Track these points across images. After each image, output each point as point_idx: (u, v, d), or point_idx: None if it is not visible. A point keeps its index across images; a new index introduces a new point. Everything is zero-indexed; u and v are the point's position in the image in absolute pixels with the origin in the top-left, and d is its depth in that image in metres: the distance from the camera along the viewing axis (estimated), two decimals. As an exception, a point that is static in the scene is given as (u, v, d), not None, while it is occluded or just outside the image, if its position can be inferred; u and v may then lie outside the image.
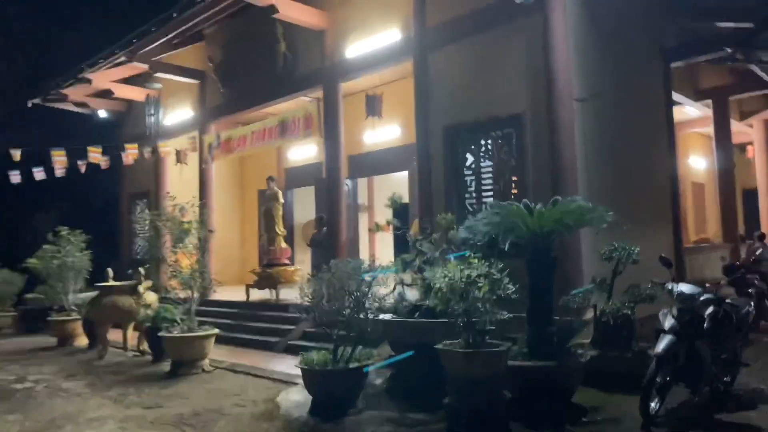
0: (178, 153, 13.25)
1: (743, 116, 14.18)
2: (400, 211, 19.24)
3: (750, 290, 9.49)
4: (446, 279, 4.46)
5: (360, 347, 5.34)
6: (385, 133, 13.43)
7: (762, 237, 11.10)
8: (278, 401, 5.87)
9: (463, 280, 4.36)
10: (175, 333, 7.60)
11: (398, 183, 18.26)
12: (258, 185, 16.07)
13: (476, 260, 4.55)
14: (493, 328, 4.55)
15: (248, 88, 11.52)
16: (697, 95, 12.20)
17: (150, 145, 12.67)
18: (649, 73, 9.20)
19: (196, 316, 8.50)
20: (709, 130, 12.64)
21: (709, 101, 12.22)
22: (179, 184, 13.99)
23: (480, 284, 4.37)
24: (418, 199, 8.41)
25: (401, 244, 18.59)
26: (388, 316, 5.82)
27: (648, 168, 8.85)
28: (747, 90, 12.13)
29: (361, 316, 5.19)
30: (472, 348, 4.46)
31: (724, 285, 6.24)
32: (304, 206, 16.14)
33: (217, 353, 8.64)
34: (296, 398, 5.87)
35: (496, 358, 4.41)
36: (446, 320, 5.01)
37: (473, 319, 4.43)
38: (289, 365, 7.83)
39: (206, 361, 7.67)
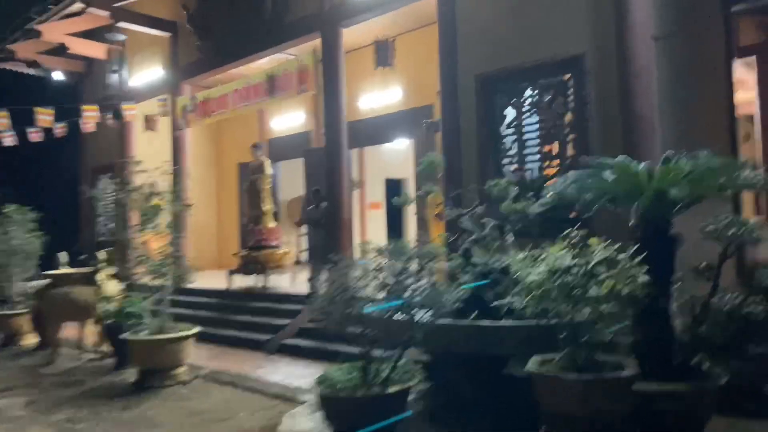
0: (146, 118, 11.47)
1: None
2: (394, 189, 17.64)
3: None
4: (547, 270, 2.93)
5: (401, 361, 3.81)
6: (384, 96, 11.85)
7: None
8: (282, 432, 4.35)
9: (576, 271, 2.85)
10: (143, 335, 5.98)
11: (395, 155, 16.77)
12: (238, 158, 14.36)
13: (595, 240, 3.03)
14: (610, 339, 3.06)
15: (230, 40, 9.77)
16: (738, 53, 10.78)
17: (113, 107, 10.83)
18: (708, 15, 7.72)
19: (170, 308, 6.94)
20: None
21: (752, 59, 10.81)
22: (149, 155, 12.22)
23: (602, 277, 2.86)
24: (445, 168, 6.84)
25: (395, 225, 17.17)
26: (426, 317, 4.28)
27: (714, 133, 7.41)
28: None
29: (404, 317, 3.65)
30: (585, 371, 2.97)
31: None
32: (290, 181, 14.51)
33: (196, 355, 7.05)
34: (306, 428, 4.35)
35: (625, 386, 2.93)
36: (527, 324, 3.54)
37: (587, 329, 2.93)
38: (286, 372, 6.32)
39: (183, 369, 6.09)
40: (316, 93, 8.31)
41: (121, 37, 10.30)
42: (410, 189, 17.88)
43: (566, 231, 3.26)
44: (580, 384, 2.83)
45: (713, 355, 3.55)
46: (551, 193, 3.76)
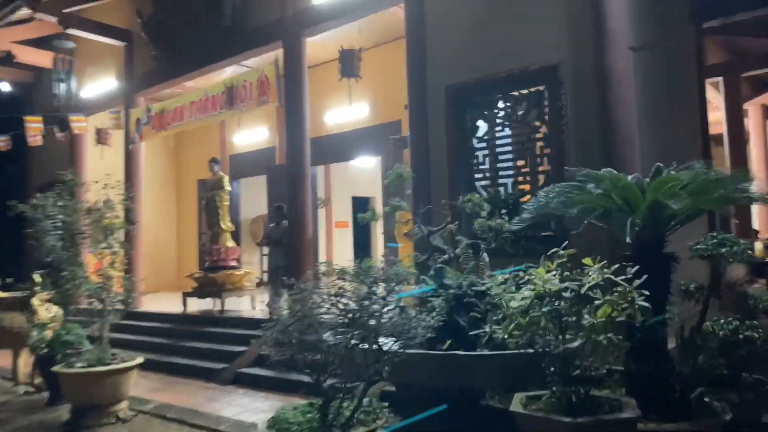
0: (98, 132, 10.82)
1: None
2: (362, 207, 17.25)
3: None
4: (533, 295, 2.53)
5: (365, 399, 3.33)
6: (350, 112, 11.50)
7: (788, 231, 9.80)
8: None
9: (567, 296, 2.45)
10: (78, 367, 5.35)
11: (362, 172, 16.39)
12: (198, 174, 13.78)
13: (589, 261, 2.63)
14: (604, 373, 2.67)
15: (187, 49, 9.27)
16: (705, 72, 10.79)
17: (59, 119, 10.15)
18: (681, 30, 7.59)
19: (117, 333, 6.31)
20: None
21: (718, 79, 10.82)
22: (101, 170, 11.54)
23: (597, 302, 2.46)
24: (413, 184, 6.45)
25: (363, 244, 16.70)
26: (395, 347, 3.81)
27: (690, 151, 7.23)
28: (757, 67, 10.81)
29: (370, 346, 3.19)
30: (579, 410, 2.55)
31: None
32: (253, 199, 13.97)
33: (142, 386, 6.46)
34: (258, 475, 3.82)
35: (627, 429, 2.52)
36: (508, 354, 3.13)
37: (580, 362, 2.52)
38: (240, 405, 5.76)
39: (124, 405, 5.46)
40: (279, 105, 7.86)
41: (70, 44, 9.69)
42: (378, 207, 17.54)
43: (552, 250, 2.86)
44: (575, 427, 2.41)
45: (713, 387, 3.18)
46: (531, 208, 3.37)
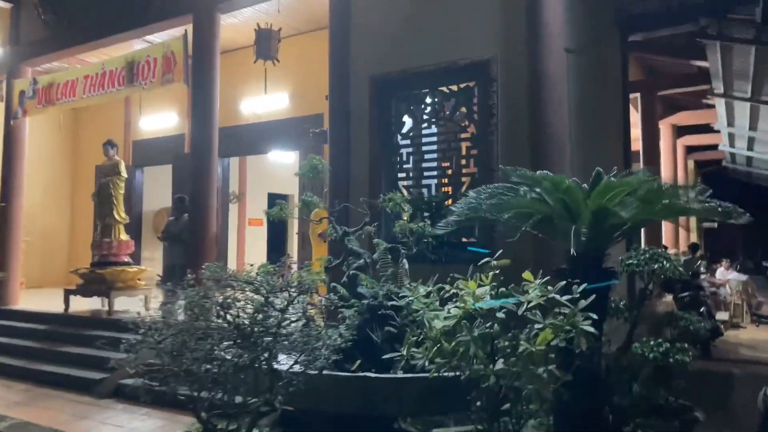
0: (-25, 103, 9.50)
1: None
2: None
3: (702, 309, 8.31)
4: (456, 316, 2.06)
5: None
6: (268, 101, 10.81)
7: (695, 248, 10.09)
8: None
9: (500, 317, 2.00)
10: None
11: (280, 168, 15.62)
12: (98, 159, 12.53)
13: (529, 275, 2.20)
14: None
15: (85, 17, 8.24)
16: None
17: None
18: (608, 41, 7.55)
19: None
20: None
21: (636, 96, 11.07)
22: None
23: (537, 325, 2.03)
24: (330, 181, 5.91)
25: (278, 244, 15.94)
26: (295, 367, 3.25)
27: (610, 161, 7.16)
28: (673, 86, 11.17)
29: (260, 368, 2.62)
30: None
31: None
32: (157, 190, 12.91)
33: (1, 399, 5.54)
34: None
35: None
36: (429, 377, 2.66)
37: (513, 395, 2.09)
38: (116, 426, 4.99)
39: (-31, 424, 4.57)
40: (185, 86, 7.07)
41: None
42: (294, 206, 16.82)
43: (484, 260, 2.42)
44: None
45: (649, 418, 2.86)
46: (460, 210, 2.92)
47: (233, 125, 10.58)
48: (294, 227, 16.62)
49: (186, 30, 7.11)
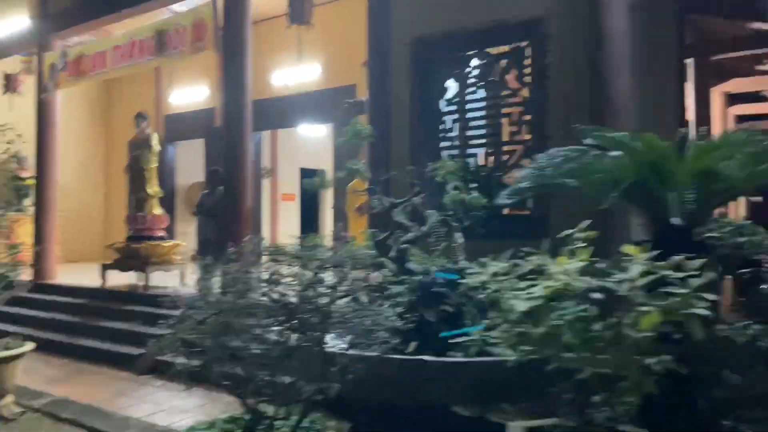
0: (7, 78, 9.42)
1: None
2: (310, 178, 16.17)
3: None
4: (542, 296, 1.76)
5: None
6: (300, 73, 10.53)
7: (750, 222, 9.53)
8: None
9: (598, 298, 1.69)
10: (-55, 355, 4.31)
11: (312, 142, 15.36)
12: (130, 134, 12.46)
13: (633, 249, 1.89)
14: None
15: (112, -15, 8.03)
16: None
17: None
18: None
19: (21, 308, 5.26)
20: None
21: (688, 61, 10.39)
22: (11, 122, 10.16)
23: (644, 308, 1.72)
24: (369, 151, 5.61)
25: (310, 219, 15.78)
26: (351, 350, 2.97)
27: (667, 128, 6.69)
28: (727, 50, 10.45)
29: (313, 350, 2.36)
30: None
31: None
32: (190, 164, 12.81)
33: (40, 374, 5.49)
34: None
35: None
36: (499, 361, 2.38)
37: (611, 389, 1.79)
38: (155, 402, 4.87)
39: (9, 400, 4.48)
40: (216, 53, 6.82)
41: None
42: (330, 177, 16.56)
43: (567, 232, 2.11)
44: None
45: (751, 409, 2.54)
46: (531, 177, 2.60)
47: (264, 98, 10.33)
48: (327, 202, 16.49)
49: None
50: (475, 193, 3.92)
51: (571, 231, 2.10)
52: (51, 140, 8.83)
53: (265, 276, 2.34)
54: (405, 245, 3.57)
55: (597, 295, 1.74)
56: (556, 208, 4.63)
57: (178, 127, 12.54)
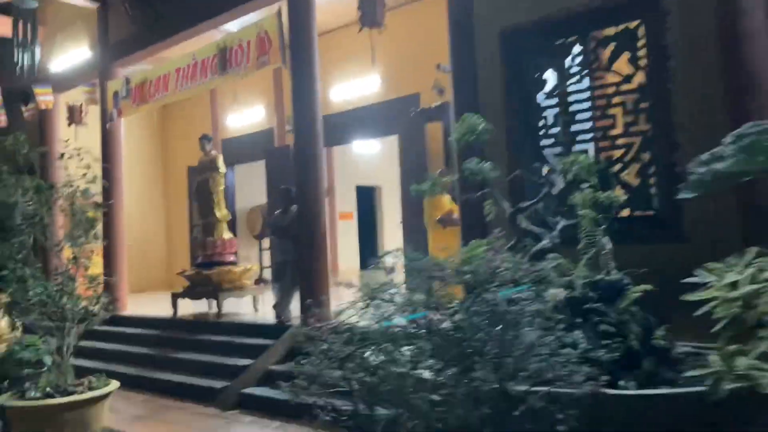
0: (71, 110, 9.42)
1: None
2: (366, 196, 15.78)
3: None
4: None
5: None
6: (360, 86, 10.22)
7: None
8: None
9: None
10: (30, 398, 4.00)
11: (367, 159, 15.03)
12: (187, 160, 12.37)
13: None
14: None
15: (172, 7, 7.88)
16: None
17: (22, 93, 8.73)
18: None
19: (96, 341, 4.94)
20: None
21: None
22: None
23: None
24: (459, 151, 5.14)
25: (369, 238, 15.33)
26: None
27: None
28: None
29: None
30: None
31: None
32: (248, 188, 12.62)
33: (122, 412, 5.17)
34: None
35: None
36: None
37: None
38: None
39: (94, 446, 4.14)
40: (283, 67, 6.52)
41: (33, 4, 8.23)
42: (384, 198, 16.16)
43: None
44: None
45: None
46: (731, 158, 2.06)
47: (324, 114, 10.04)
48: (385, 219, 16.07)
49: (280, 7, 6.52)
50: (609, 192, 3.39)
51: None
52: (116, 169, 8.71)
53: (420, 298, 1.88)
54: (540, 254, 3.06)
55: None
56: (691, 207, 4.04)
57: (236, 150, 12.38)
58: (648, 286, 2.71)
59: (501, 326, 1.76)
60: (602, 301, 2.82)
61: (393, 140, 15.02)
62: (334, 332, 1.98)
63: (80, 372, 4.45)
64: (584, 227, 2.91)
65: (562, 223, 3.27)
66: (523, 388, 1.76)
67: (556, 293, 2.42)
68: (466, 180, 3.52)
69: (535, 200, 3.32)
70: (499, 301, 1.78)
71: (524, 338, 1.74)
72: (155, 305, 8.98)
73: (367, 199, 15.96)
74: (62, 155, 4.66)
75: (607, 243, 2.96)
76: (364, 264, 15.28)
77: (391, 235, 15.93)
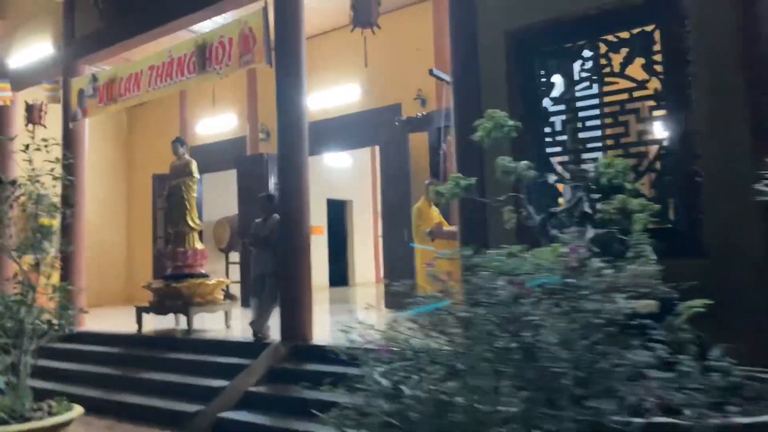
0: (29, 108, 8.78)
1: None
2: (337, 210, 15.38)
3: None
4: None
5: None
6: (340, 94, 9.95)
7: None
8: None
9: None
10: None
11: (338, 172, 14.68)
12: (153, 168, 11.79)
13: None
14: None
15: (144, 1, 7.42)
16: None
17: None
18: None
19: (53, 361, 4.40)
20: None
21: None
22: (32, 155, 9.47)
23: None
24: (459, 163, 4.86)
25: (339, 252, 14.89)
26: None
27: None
28: None
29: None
30: None
31: None
32: (217, 199, 12.09)
33: (81, 442, 4.60)
34: None
35: None
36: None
37: None
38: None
39: (53, 479, 3.62)
40: (269, 66, 6.14)
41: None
42: (354, 212, 15.80)
43: None
44: None
45: None
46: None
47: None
48: (355, 233, 15.68)
49: (266, 2, 6.17)
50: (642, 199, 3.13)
51: None
52: (79, 172, 8.11)
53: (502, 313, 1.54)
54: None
55: None
56: (710, 219, 3.85)
57: (205, 158, 11.85)
58: (706, 300, 2.45)
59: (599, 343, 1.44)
60: (651, 316, 2.55)
61: (365, 153, 14.79)
62: (393, 353, 1.61)
63: (37, 395, 3.92)
64: (632, 236, 2.63)
65: (591, 231, 2.99)
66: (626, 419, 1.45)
67: (649, 304, 2.11)
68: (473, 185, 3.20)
69: (567, 206, 3.04)
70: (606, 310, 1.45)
71: (632, 359, 1.43)
72: (116, 320, 8.38)
73: (337, 213, 15.60)
74: (27, 146, 4.15)
75: (651, 254, 2.70)
76: (334, 280, 14.87)
77: (362, 250, 15.56)
